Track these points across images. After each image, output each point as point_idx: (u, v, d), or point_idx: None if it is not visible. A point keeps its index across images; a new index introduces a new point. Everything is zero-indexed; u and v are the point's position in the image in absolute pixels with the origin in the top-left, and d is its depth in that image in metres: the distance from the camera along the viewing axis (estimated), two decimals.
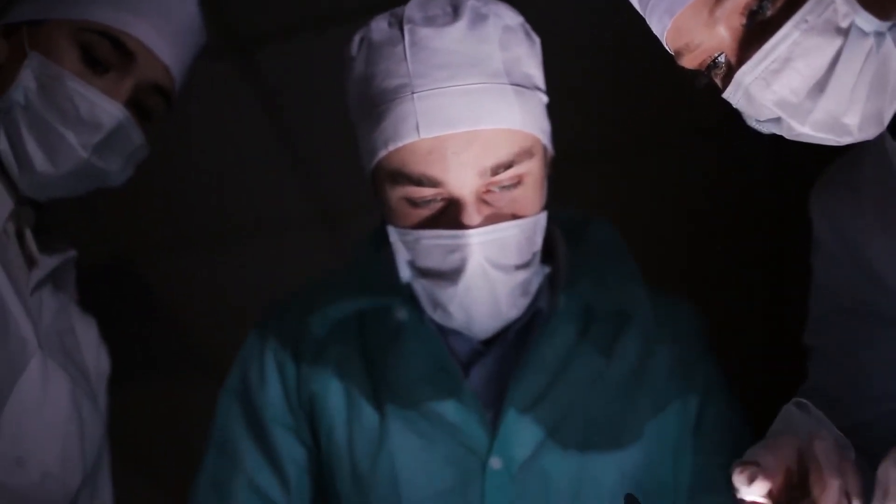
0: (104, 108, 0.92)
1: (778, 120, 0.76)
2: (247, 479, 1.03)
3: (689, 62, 0.80)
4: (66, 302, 1.02)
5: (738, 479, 0.69)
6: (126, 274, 1.58)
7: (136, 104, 0.96)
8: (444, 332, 1.03)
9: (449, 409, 1.00)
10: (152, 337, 1.56)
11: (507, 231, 0.94)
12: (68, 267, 1.02)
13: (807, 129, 0.75)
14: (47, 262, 0.96)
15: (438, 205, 0.95)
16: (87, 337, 1.04)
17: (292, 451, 1.04)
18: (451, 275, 0.95)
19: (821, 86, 0.73)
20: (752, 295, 1.46)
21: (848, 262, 0.95)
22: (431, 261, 0.96)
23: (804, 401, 0.78)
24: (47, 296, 0.97)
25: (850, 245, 0.94)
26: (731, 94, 0.77)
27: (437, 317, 1.01)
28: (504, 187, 0.95)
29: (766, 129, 0.78)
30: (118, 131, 0.93)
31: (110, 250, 1.57)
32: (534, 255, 0.99)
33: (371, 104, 0.96)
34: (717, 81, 0.80)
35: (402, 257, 1.00)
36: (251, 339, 1.10)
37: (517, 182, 0.95)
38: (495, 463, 0.98)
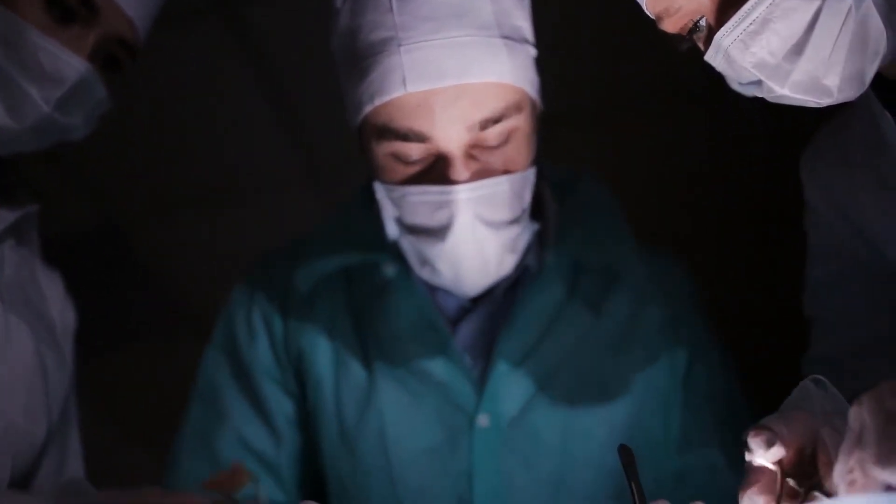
0: (67, 62, 0.90)
1: (759, 82, 0.75)
2: (234, 431, 1.02)
3: (670, 26, 0.79)
4: (28, 256, 1.00)
5: (755, 442, 0.68)
6: (114, 239, 1.57)
7: (99, 57, 0.94)
8: (432, 289, 1.02)
9: (436, 366, 1.00)
10: (142, 302, 1.55)
11: (496, 187, 0.93)
12: (30, 221, 1.00)
13: (786, 90, 0.75)
14: (7, 216, 0.94)
15: (426, 160, 0.93)
16: (52, 291, 1.03)
17: (282, 404, 1.03)
18: (439, 231, 0.94)
19: (799, 47, 0.73)
20: (746, 258, 1.45)
21: (841, 226, 0.95)
22: (419, 217, 0.95)
23: (822, 378, 0.77)
24: (9, 250, 0.96)
25: (841, 208, 0.94)
26: (712, 57, 0.77)
27: (425, 274, 1.00)
28: (493, 142, 0.93)
29: (749, 91, 0.78)
30: (81, 86, 0.91)
31: (97, 216, 1.55)
32: (523, 211, 0.98)
33: (357, 57, 0.94)
34: (700, 45, 0.79)
35: (389, 214, 0.99)
36: (237, 294, 1.09)
37: (506, 137, 0.94)
38: (483, 420, 0.98)
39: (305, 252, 1.07)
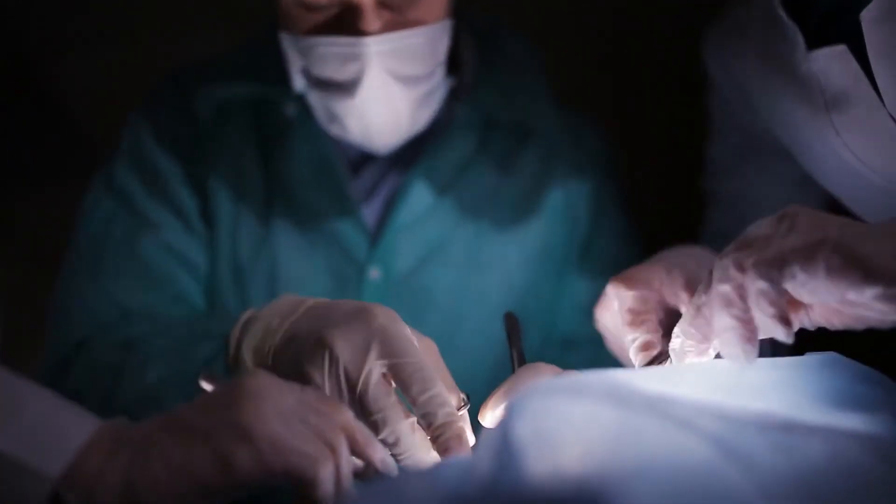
0: None
1: None
2: (157, 237, 0.97)
3: None
4: None
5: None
6: (25, 74, 1.48)
7: None
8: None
9: (331, 213, 0.98)
10: (56, 140, 1.49)
11: (409, 39, 0.88)
12: None
13: None
14: None
15: (335, 9, 0.88)
16: None
17: (195, 205, 0.99)
18: (348, 86, 0.89)
19: None
20: (661, 123, 1.43)
21: (738, 101, 0.95)
22: (327, 70, 0.90)
23: None
24: None
25: (738, 83, 0.93)
26: None
27: (334, 131, 0.96)
28: None
29: None
30: None
31: (8, 49, 1.47)
32: (437, 65, 0.94)
33: None
34: None
35: (296, 66, 0.94)
36: (143, 108, 1.03)
37: None
38: (374, 273, 0.97)
39: (210, 76, 1.01)
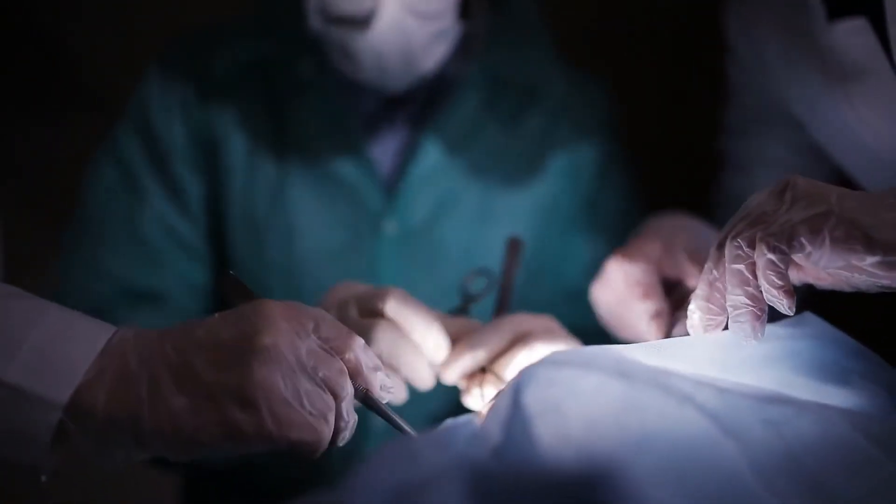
0: None
1: None
2: (156, 214, 1.00)
3: None
4: None
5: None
6: (11, 4, 1.44)
7: None
8: (350, 91, 1.00)
9: (346, 168, 1.00)
10: (42, 72, 1.46)
11: None
12: None
13: None
14: None
15: None
16: None
17: (196, 186, 1.01)
18: (363, 18, 0.89)
19: None
20: (664, 75, 1.43)
21: (756, 68, 0.96)
22: (343, 4, 0.89)
23: None
24: None
25: (759, 50, 0.94)
26: None
27: (348, 69, 0.96)
28: None
29: None
30: None
31: None
32: (451, 4, 0.92)
33: None
34: None
35: (312, 5, 0.93)
36: (152, 73, 1.03)
37: None
38: (390, 227, 1.00)
39: (223, 38, 1.02)
